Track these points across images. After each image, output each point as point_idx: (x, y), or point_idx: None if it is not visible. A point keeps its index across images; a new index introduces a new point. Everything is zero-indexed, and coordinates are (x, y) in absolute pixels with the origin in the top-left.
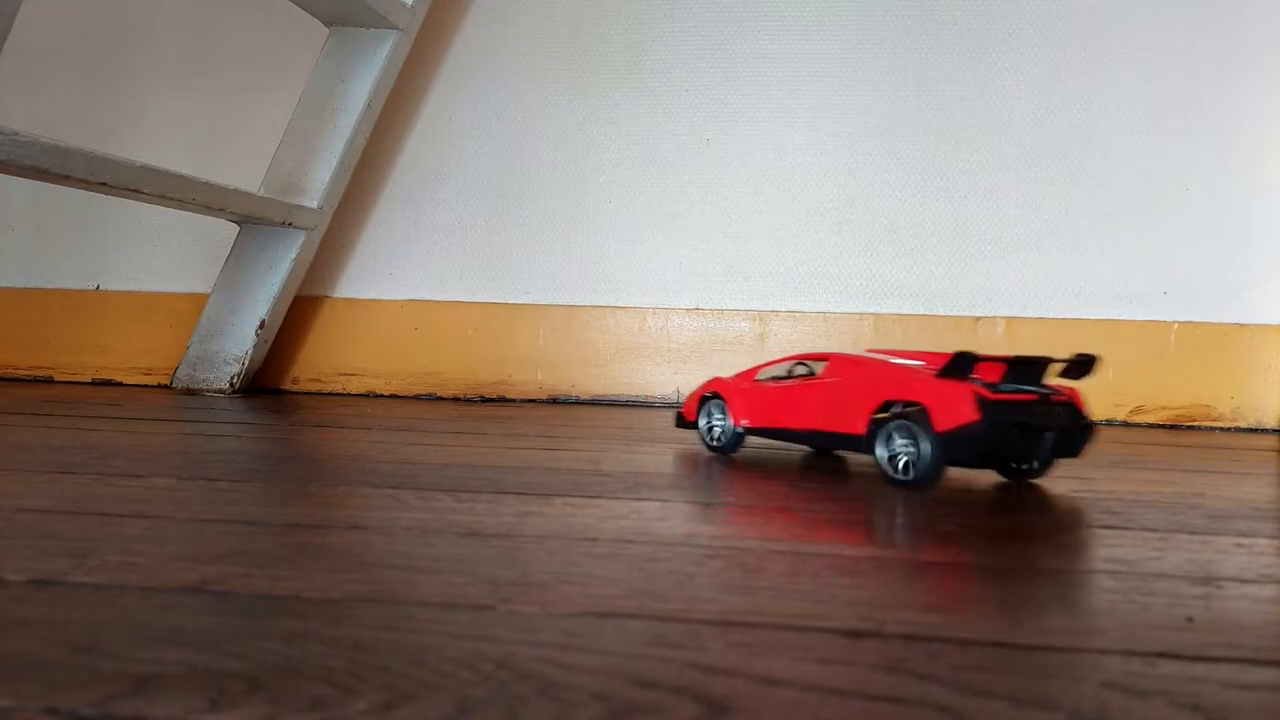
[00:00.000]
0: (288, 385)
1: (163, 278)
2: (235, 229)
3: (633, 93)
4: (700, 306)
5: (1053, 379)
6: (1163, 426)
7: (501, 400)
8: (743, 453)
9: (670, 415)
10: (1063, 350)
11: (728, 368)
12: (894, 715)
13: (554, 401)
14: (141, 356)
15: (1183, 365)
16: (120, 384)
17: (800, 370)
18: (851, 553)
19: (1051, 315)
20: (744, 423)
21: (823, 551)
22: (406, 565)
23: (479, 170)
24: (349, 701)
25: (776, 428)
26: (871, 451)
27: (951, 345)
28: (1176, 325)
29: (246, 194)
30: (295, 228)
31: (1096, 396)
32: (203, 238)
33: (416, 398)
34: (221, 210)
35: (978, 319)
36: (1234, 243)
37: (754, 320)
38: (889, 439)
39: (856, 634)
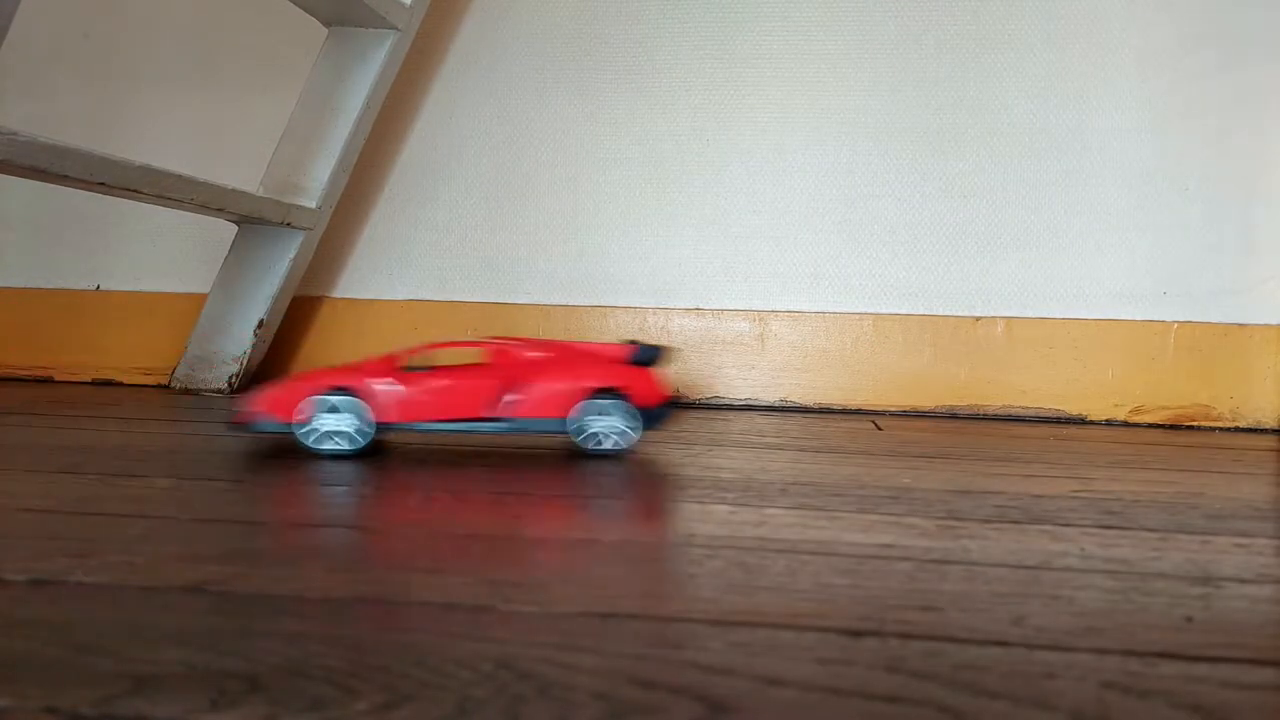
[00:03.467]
0: None
1: (162, 278)
2: (234, 229)
3: (633, 93)
4: (700, 306)
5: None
6: (1162, 426)
7: None
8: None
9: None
10: (1062, 349)
11: (728, 368)
12: (894, 715)
13: None
14: (141, 356)
15: (1182, 365)
16: (120, 384)
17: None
18: (852, 551)
19: (1051, 315)
20: (396, 418)
21: (823, 550)
22: (406, 565)
23: (479, 170)
24: (349, 701)
25: (450, 419)
26: (578, 432)
27: (950, 345)
28: (1176, 325)
29: (245, 194)
30: (294, 227)
31: (1096, 396)
32: (202, 237)
33: None
34: (220, 210)
35: (977, 319)
36: (1234, 243)
37: (754, 320)
38: (598, 418)
39: (856, 634)
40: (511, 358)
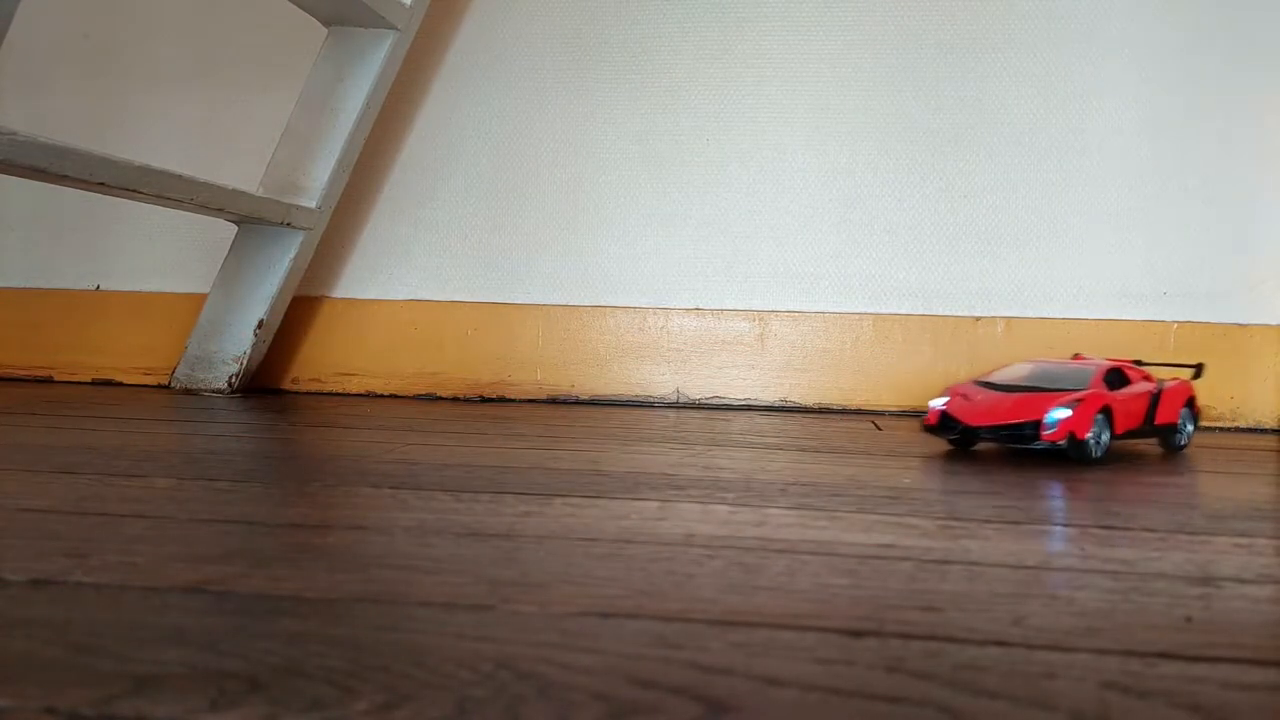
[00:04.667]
0: (287, 385)
1: (162, 278)
2: (234, 229)
3: (633, 93)
4: (700, 306)
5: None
6: None
7: (501, 400)
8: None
9: (672, 415)
10: (1063, 349)
11: (728, 368)
12: (894, 715)
13: (554, 401)
14: (141, 356)
15: None
16: (120, 384)
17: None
18: (852, 551)
19: (1051, 315)
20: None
21: (823, 550)
22: (406, 565)
23: (479, 170)
24: (349, 701)
25: (1132, 429)
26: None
27: (950, 345)
28: (1176, 325)
29: (245, 194)
30: (294, 228)
31: None
32: (202, 237)
33: (416, 398)
34: (220, 210)
35: (977, 319)
36: (1234, 243)
37: (754, 320)
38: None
39: (856, 634)
40: (1142, 375)
